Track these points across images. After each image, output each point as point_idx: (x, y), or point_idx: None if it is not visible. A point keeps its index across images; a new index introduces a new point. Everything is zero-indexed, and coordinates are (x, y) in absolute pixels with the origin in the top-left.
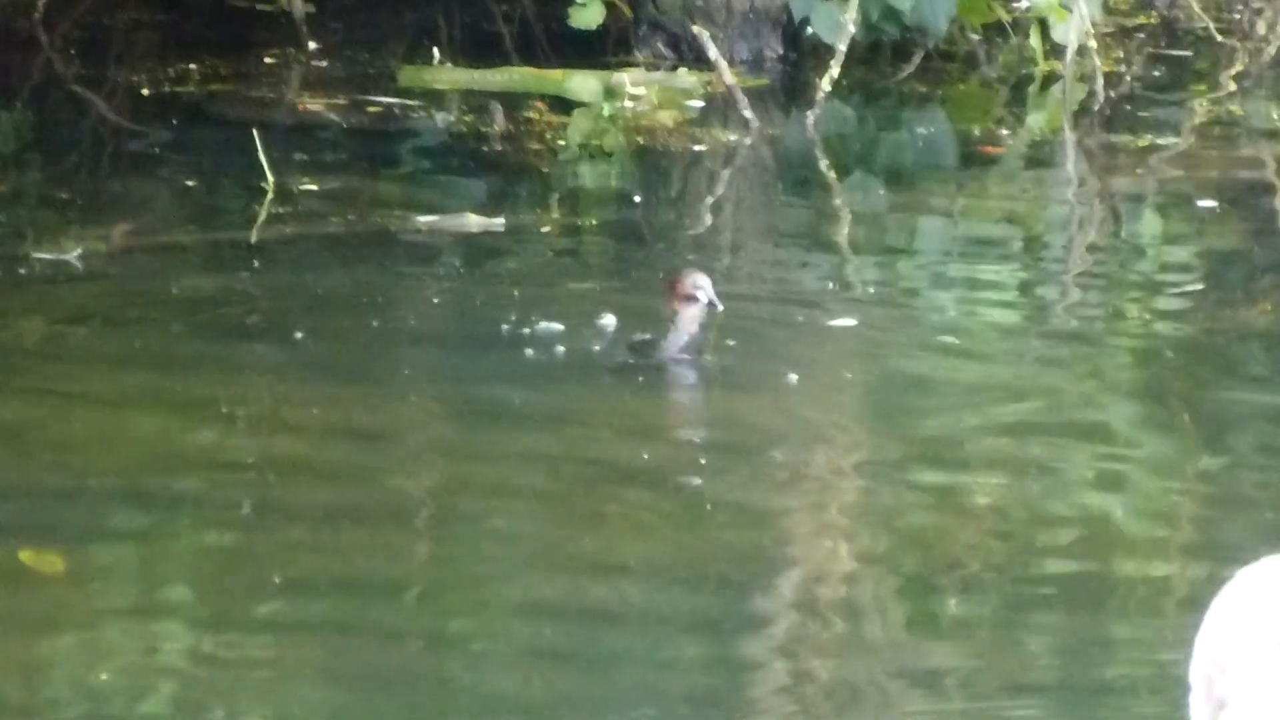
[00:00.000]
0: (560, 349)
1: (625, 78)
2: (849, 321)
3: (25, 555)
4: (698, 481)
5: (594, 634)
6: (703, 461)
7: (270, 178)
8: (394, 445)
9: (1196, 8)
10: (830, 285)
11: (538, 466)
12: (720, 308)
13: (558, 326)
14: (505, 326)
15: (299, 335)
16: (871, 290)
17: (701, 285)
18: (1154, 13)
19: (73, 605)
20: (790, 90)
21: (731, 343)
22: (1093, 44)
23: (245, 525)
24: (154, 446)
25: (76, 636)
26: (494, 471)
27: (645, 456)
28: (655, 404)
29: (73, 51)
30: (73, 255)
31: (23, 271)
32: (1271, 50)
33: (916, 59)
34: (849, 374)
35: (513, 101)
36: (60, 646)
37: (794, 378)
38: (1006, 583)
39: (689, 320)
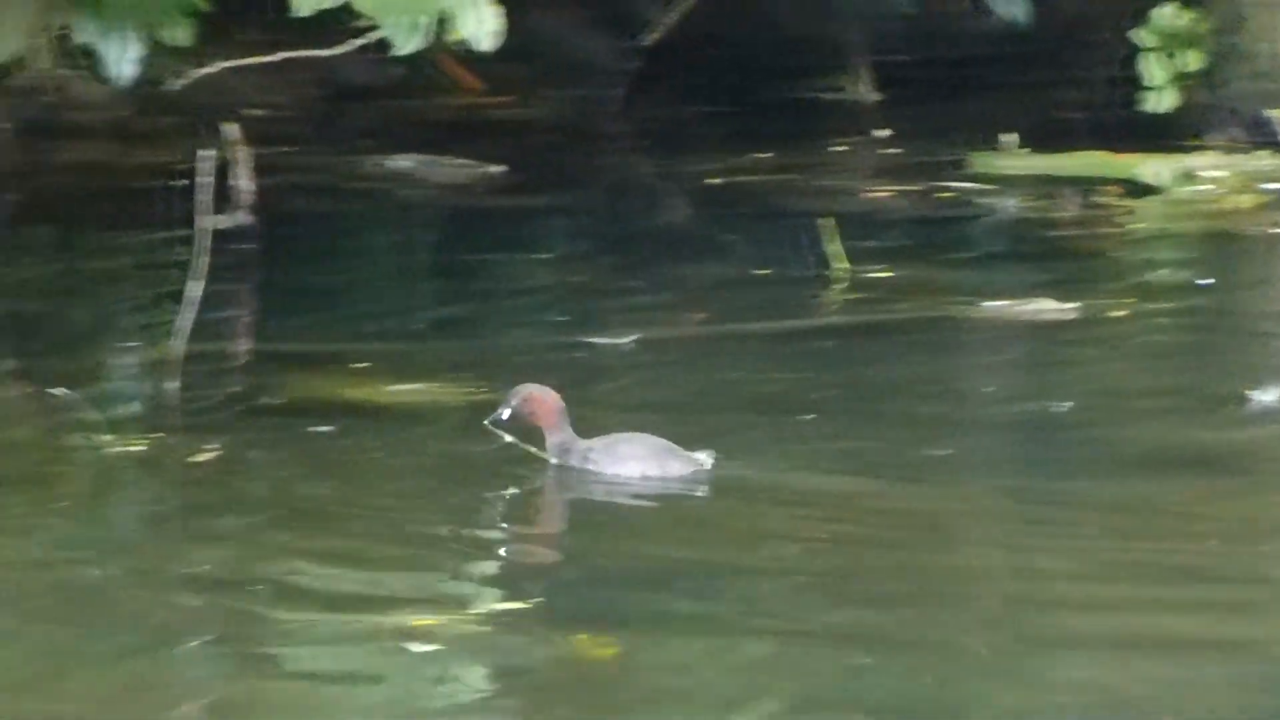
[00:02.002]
0: (1126, 434)
1: (1199, 161)
2: None
3: (580, 640)
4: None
5: None
6: None
7: (839, 265)
8: (950, 532)
9: None
10: None
11: (1096, 557)
12: (501, 417)
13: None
14: (1065, 414)
15: (838, 417)
16: None
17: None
18: None
19: (619, 692)
20: None
21: None
22: None
23: (807, 621)
24: (719, 530)
25: None
26: (1054, 564)
27: (1212, 543)
28: (1193, 494)
29: (646, 144)
30: (629, 340)
31: (583, 355)
32: None
33: None
34: None
35: (1084, 186)
36: None
37: None
38: None
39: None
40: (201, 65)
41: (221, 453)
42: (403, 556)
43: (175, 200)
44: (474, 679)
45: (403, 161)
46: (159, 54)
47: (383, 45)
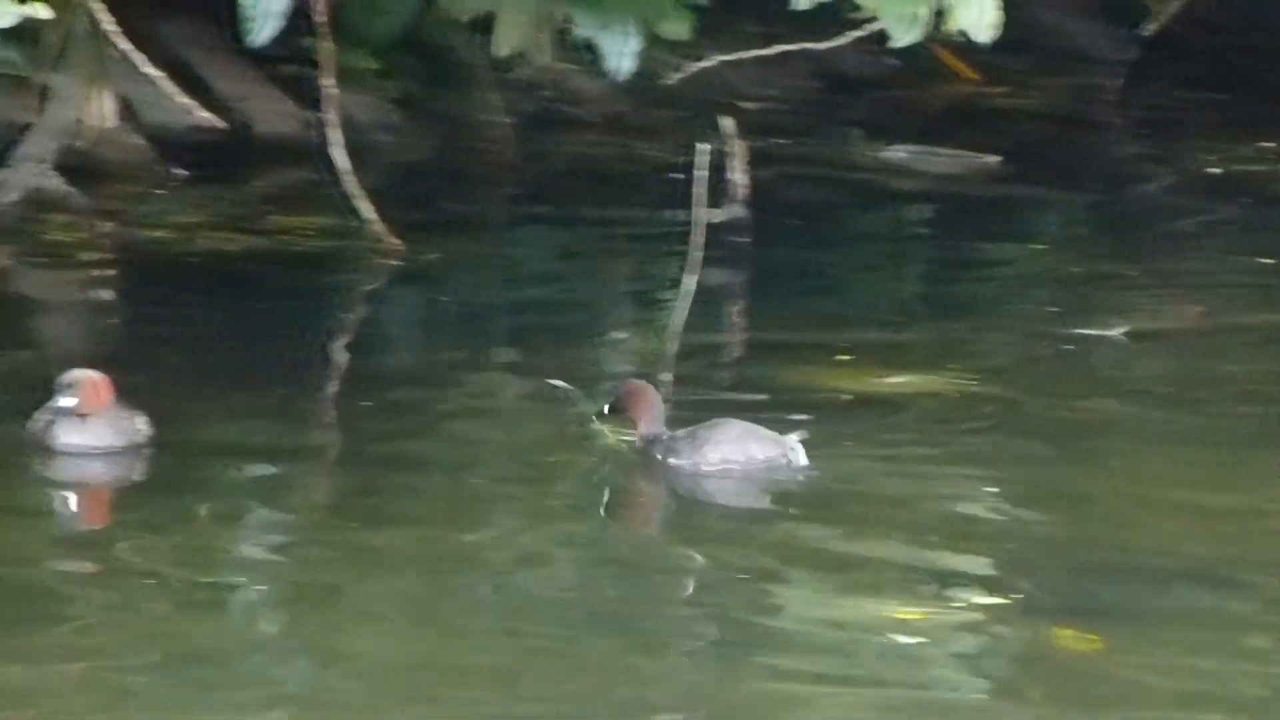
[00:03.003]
0: None
1: None
2: None
3: (1063, 634)
4: None
5: None
6: None
7: None
8: None
9: None
10: None
11: None
12: (604, 411)
13: None
14: None
15: None
16: None
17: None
18: None
19: (1103, 686)
20: None
21: None
22: None
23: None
24: (1210, 527)
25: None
26: None
27: None
28: None
29: (1144, 133)
30: (1118, 332)
31: (1070, 347)
32: None
33: None
34: None
35: None
36: None
37: None
38: None
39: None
40: (698, 59)
41: None
42: (887, 548)
43: (671, 193)
44: (960, 670)
45: (897, 152)
46: (656, 48)
47: (878, 37)
